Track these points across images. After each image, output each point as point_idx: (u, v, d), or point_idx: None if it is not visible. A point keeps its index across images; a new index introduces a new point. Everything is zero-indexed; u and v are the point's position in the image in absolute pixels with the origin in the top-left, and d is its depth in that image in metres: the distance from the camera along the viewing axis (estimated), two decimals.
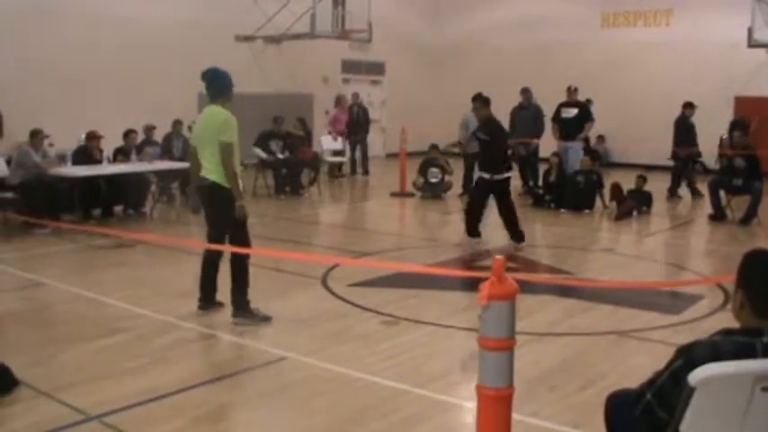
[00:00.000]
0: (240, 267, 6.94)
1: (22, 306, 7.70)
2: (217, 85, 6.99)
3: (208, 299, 7.21)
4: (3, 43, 14.47)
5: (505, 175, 10.35)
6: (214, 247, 7.01)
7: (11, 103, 14.09)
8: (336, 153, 19.06)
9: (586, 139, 17.45)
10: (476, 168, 11.30)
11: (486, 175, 10.36)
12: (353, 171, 19.60)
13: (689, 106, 16.02)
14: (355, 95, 20.00)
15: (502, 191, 10.44)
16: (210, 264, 7.15)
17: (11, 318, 7.31)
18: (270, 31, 19.61)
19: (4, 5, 14.85)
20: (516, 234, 10.49)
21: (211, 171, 6.86)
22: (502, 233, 10.59)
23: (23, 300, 7.92)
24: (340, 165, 19.28)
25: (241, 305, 6.95)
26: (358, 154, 19.68)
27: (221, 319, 7.04)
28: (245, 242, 6.97)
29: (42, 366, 5.79)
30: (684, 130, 16.01)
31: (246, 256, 6.91)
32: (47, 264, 9.42)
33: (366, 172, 19.54)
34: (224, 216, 6.89)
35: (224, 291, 7.08)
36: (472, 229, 10.61)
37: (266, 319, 6.96)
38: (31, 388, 5.28)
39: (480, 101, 10.47)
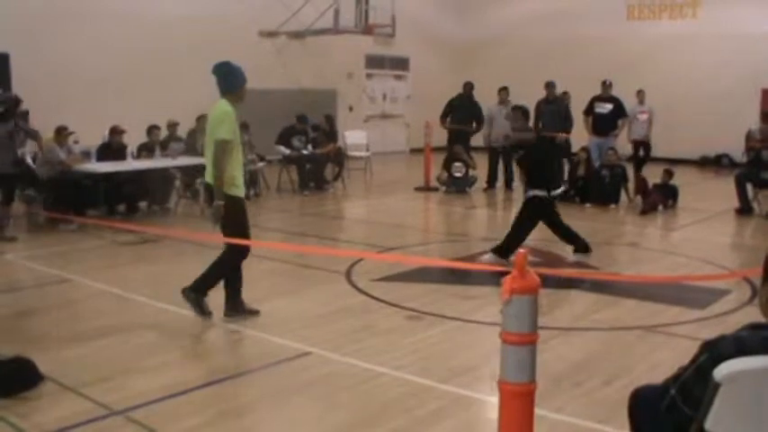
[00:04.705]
0: (223, 266, 6.82)
1: (48, 302, 7.75)
2: (229, 80, 6.71)
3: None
4: (28, 41, 14.58)
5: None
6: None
7: (37, 100, 14.18)
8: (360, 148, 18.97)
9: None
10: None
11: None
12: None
13: None
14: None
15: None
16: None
17: (36, 313, 7.37)
18: (294, 27, 19.63)
19: (30, 4, 14.95)
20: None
21: (209, 171, 6.69)
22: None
23: (49, 295, 7.98)
24: None
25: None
26: None
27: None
28: (236, 247, 6.73)
29: (67, 361, 5.82)
30: None
31: (234, 258, 6.80)
32: (72, 260, 9.49)
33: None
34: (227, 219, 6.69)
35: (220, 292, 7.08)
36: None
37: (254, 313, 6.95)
38: (57, 383, 5.31)
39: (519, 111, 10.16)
